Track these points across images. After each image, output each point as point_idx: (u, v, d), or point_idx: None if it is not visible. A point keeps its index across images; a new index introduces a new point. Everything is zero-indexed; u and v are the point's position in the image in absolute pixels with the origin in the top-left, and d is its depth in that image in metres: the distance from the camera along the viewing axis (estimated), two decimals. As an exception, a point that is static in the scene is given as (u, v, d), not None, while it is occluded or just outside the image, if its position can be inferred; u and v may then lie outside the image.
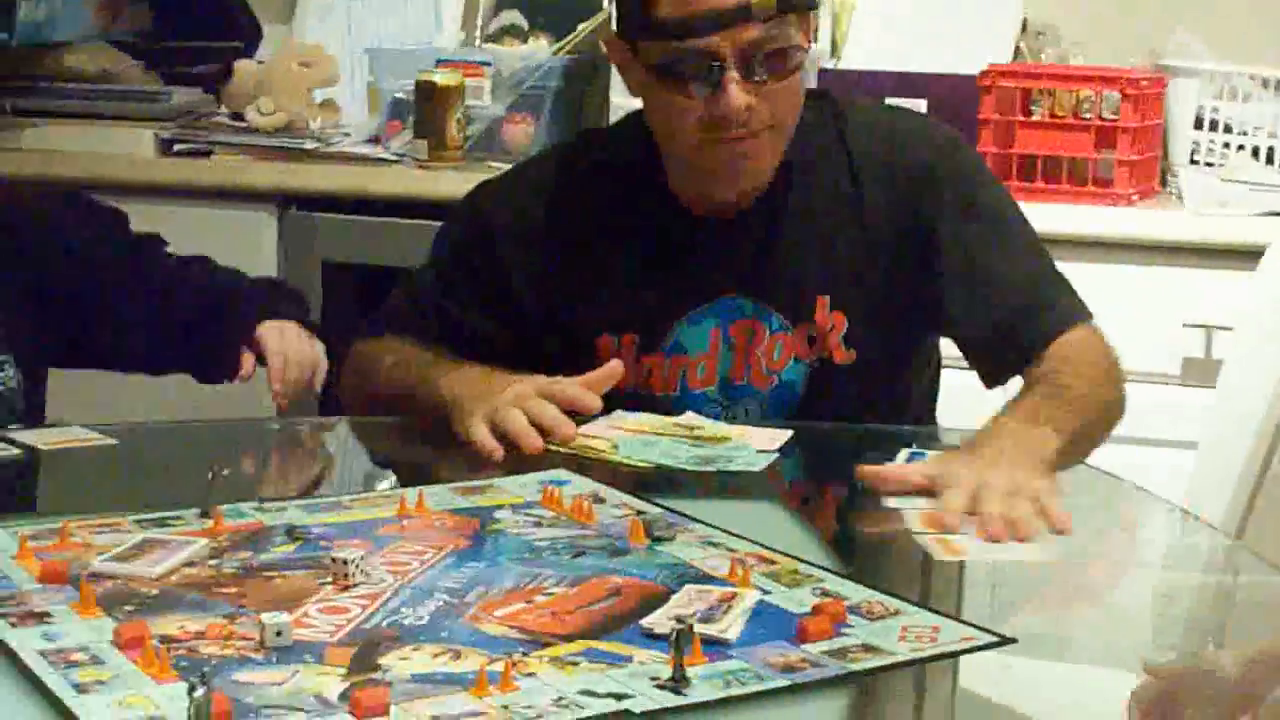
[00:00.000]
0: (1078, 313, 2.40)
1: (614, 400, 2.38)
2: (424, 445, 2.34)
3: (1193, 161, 3.77)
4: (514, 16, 4.40)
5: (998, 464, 2.08)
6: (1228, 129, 3.76)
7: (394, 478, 2.20)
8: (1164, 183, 3.83)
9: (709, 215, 2.47)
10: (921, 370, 2.58)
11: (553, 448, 2.22)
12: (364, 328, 2.61)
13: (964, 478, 2.04)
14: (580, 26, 4.15)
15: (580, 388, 2.27)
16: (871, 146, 2.46)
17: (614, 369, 2.32)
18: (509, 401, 2.23)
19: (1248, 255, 3.05)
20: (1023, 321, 2.38)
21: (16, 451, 2.28)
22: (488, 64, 4.05)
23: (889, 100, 3.04)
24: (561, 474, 2.12)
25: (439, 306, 2.54)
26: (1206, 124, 3.77)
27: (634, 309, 2.47)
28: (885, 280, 2.45)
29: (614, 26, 2.41)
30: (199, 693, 1.28)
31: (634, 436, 2.27)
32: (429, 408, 2.34)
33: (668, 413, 2.40)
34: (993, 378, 2.43)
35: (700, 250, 2.47)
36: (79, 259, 2.73)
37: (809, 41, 2.37)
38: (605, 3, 4.07)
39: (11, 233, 2.71)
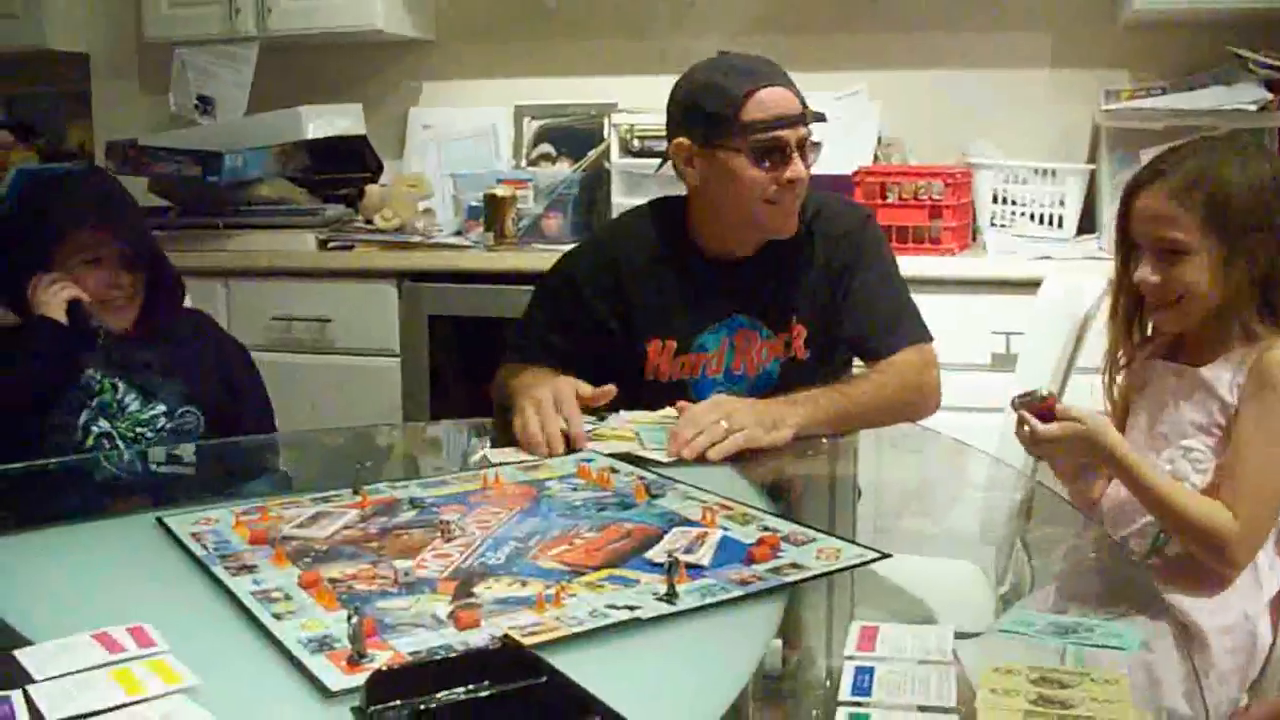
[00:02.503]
0: (913, 338, 2.43)
1: (658, 384, 2.46)
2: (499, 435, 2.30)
3: (992, 224, 3.75)
4: (546, 148, 4.38)
5: (734, 402, 2.21)
6: (1014, 202, 3.74)
7: (478, 459, 2.16)
8: (975, 239, 3.80)
9: (720, 259, 2.50)
10: (845, 360, 2.57)
11: (599, 438, 2.19)
12: (506, 347, 2.61)
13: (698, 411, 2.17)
14: (590, 153, 4.14)
15: (585, 397, 2.27)
16: (819, 221, 2.49)
17: (608, 390, 2.30)
18: (543, 414, 2.20)
19: (1031, 285, 3.02)
20: (875, 339, 2.43)
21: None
22: (530, 179, 4.03)
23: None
24: (589, 454, 2.10)
25: (540, 333, 2.56)
26: (1000, 199, 3.75)
27: (673, 323, 2.48)
28: (826, 305, 2.47)
29: (683, 138, 2.41)
30: (354, 619, 1.26)
31: (647, 426, 2.25)
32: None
33: (688, 389, 2.44)
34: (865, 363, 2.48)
35: (715, 282, 2.49)
36: None
37: None
38: (606, 136, 4.05)
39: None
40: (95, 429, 2.51)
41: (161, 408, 2.57)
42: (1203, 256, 2.06)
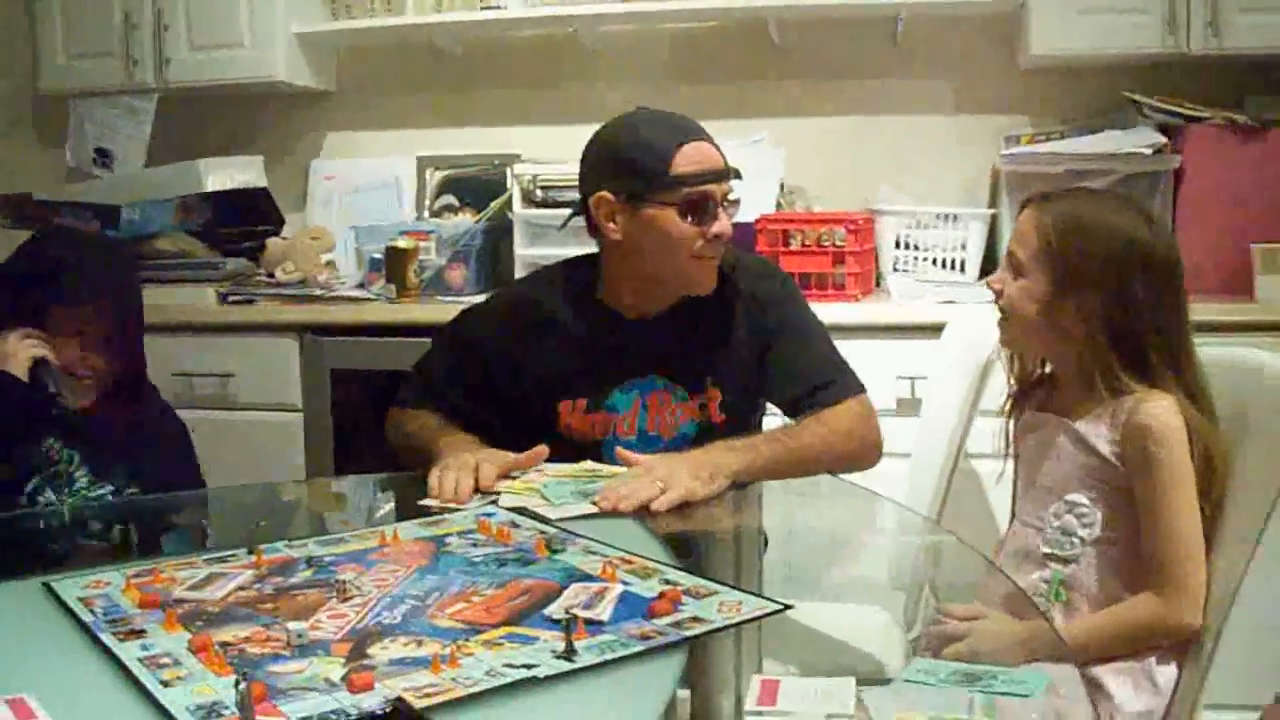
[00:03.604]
0: (845, 390, 2.41)
1: (572, 441, 2.43)
2: (399, 493, 2.28)
3: (895, 270, 3.78)
4: (449, 199, 4.37)
5: (668, 461, 2.19)
6: (917, 247, 3.77)
7: (382, 515, 2.14)
8: (878, 284, 3.83)
9: (633, 319, 2.48)
10: (759, 421, 2.57)
11: (501, 489, 2.17)
12: (400, 393, 2.58)
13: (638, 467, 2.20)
14: (492, 203, 4.12)
15: (509, 464, 2.24)
16: (738, 280, 2.48)
17: (540, 452, 2.28)
18: (459, 465, 2.20)
19: (935, 329, 3.06)
20: (812, 395, 2.39)
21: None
22: (433, 231, 4.00)
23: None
24: (490, 508, 2.08)
25: (442, 387, 2.53)
26: (903, 245, 3.78)
27: (583, 383, 2.45)
28: (744, 367, 2.45)
29: (605, 193, 2.38)
30: (242, 685, 1.24)
31: (556, 480, 2.22)
32: (430, 461, 2.30)
33: (601, 448, 2.42)
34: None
35: (629, 342, 2.46)
36: None
37: None
38: (509, 187, 4.01)
39: None
40: (41, 499, 2.45)
41: (109, 487, 2.51)
42: (1031, 283, 2.16)
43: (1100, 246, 2.08)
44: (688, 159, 2.34)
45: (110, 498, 2.49)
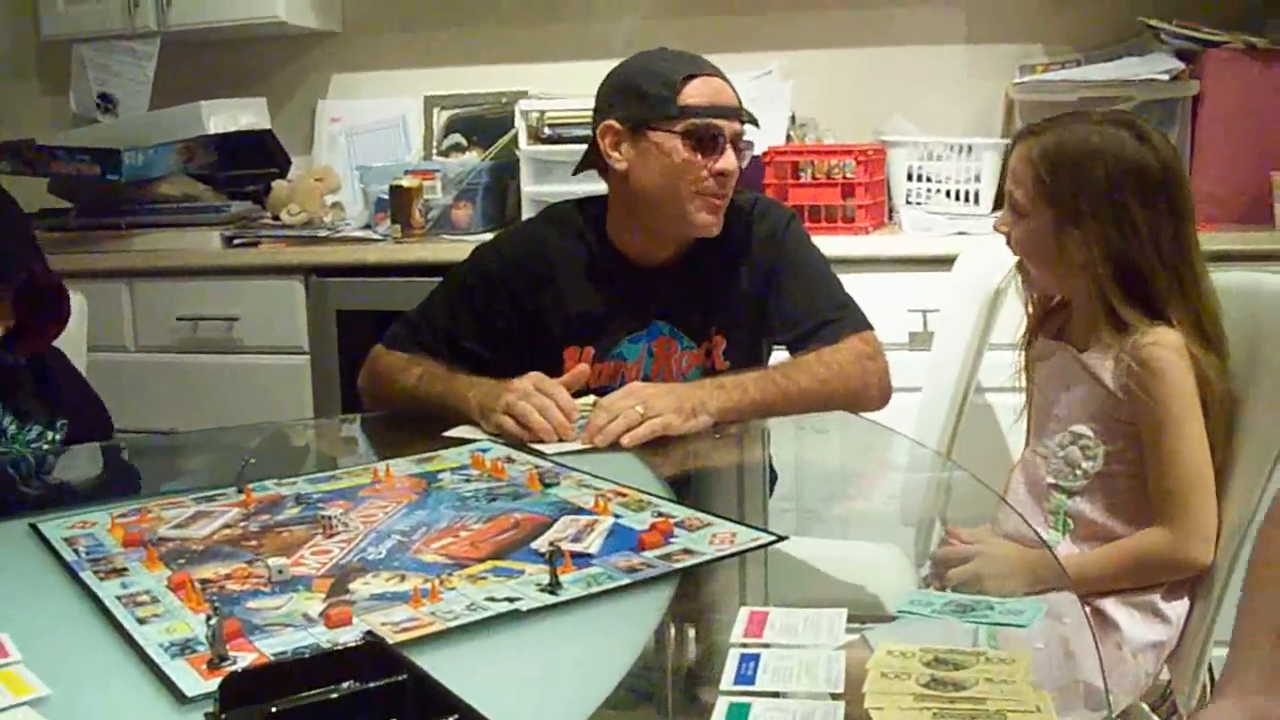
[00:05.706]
0: (848, 328, 2.34)
1: (578, 391, 2.30)
2: (395, 431, 2.25)
3: (907, 202, 3.72)
4: (457, 138, 4.32)
5: (654, 389, 2.14)
6: (929, 179, 3.71)
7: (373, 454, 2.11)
8: (890, 217, 3.77)
9: (643, 265, 2.45)
10: (764, 362, 2.51)
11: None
12: (389, 338, 2.49)
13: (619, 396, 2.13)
14: (499, 141, 4.06)
15: (563, 388, 2.17)
16: (744, 222, 2.44)
17: (583, 370, 2.27)
18: (517, 396, 2.13)
19: (945, 262, 3.02)
20: (814, 334, 2.34)
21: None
22: (437, 170, 3.96)
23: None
24: (485, 444, 2.05)
25: (446, 330, 2.44)
26: (915, 177, 3.72)
27: (591, 332, 2.41)
28: (749, 312, 2.42)
29: (613, 120, 2.36)
30: (213, 620, 1.21)
31: None
32: (455, 410, 2.23)
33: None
34: None
35: (637, 289, 2.43)
36: None
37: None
38: (516, 124, 3.94)
39: None
40: None
41: (37, 428, 2.45)
42: (1036, 222, 2.10)
43: (1092, 173, 2.02)
44: (698, 90, 2.32)
45: (51, 434, 2.42)
